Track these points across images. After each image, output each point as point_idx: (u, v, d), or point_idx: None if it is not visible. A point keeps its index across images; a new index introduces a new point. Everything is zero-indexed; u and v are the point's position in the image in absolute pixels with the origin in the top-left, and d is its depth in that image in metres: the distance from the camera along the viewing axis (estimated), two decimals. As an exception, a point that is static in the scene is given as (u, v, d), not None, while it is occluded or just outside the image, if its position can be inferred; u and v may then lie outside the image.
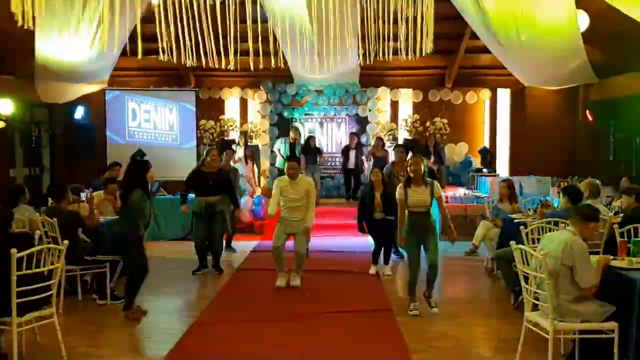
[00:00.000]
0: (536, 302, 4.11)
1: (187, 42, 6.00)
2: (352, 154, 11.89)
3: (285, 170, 6.75)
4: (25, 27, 4.71)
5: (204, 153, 7.66)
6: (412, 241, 5.67)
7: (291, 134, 11.91)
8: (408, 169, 5.67)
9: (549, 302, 3.88)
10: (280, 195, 6.61)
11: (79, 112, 12.34)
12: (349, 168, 11.95)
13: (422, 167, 5.63)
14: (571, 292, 3.91)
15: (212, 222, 7.32)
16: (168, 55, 6.16)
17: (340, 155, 12.58)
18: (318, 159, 11.97)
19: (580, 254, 3.87)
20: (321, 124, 13.14)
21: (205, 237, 7.38)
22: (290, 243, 6.73)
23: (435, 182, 5.74)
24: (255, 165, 11.82)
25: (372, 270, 7.44)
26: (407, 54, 6.19)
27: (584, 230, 4.01)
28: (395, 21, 6.07)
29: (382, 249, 7.50)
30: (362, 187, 8.45)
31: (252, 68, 6.14)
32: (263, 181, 12.97)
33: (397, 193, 5.71)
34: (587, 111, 11.50)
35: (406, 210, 5.63)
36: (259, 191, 12.04)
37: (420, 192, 5.59)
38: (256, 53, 5.98)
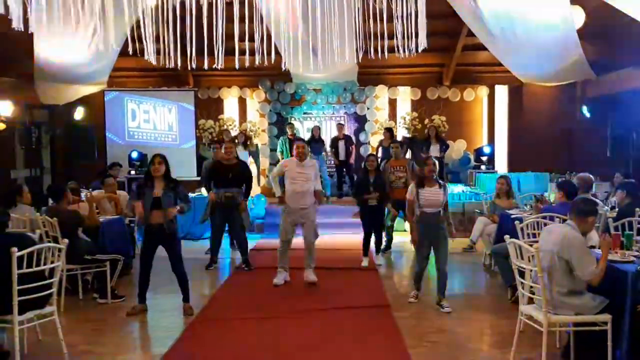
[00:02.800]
0: (532, 295, 4.15)
1: (176, 42, 6.01)
2: (341, 144, 11.71)
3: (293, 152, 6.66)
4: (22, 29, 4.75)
5: (222, 147, 7.67)
6: (424, 241, 5.77)
7: (288, 131, 11.97)
8: (425, 169, 5.72)
9: (542, 295, 3.93)
10: (287, 179, 6.50)
11: (79, 113, 12.43)
12: (339, 160, 11.82)
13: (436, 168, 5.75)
14: (565, 285, 3.95)
15: (230, 213, 7.38)
16: (166, 57, 6.18)
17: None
18: (322, 151, 11.67)
19: (579, 247, 3.91)
20: (320, 123, 13.16)
21: (222, 227, 7.55)
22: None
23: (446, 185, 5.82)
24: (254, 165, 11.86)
25: (365, 263, 7.56)
26: (404, 51, 6.22)
27: (582, 224, 4.05)
28: (390, 19, 6.11)
29: (373, 238, 7.66)
30: (360, 173, 8.56)
31: (237, 66, 6.19)
32: (263, 180, 13.01)
33: (408, 193, 5.79)
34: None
35: (418, 210, 5.70)
36: (258, 190, 12.08)
37: (434, 192, 5.68)
38: (252, 52, 6.02)
